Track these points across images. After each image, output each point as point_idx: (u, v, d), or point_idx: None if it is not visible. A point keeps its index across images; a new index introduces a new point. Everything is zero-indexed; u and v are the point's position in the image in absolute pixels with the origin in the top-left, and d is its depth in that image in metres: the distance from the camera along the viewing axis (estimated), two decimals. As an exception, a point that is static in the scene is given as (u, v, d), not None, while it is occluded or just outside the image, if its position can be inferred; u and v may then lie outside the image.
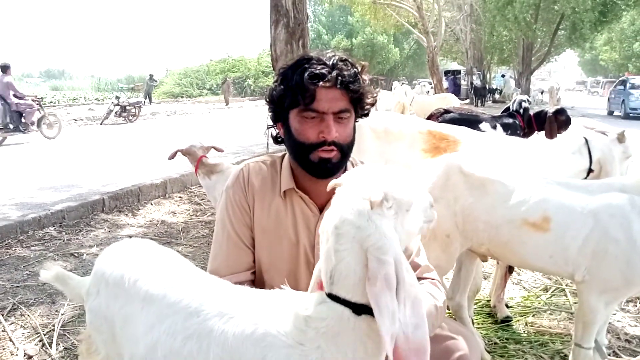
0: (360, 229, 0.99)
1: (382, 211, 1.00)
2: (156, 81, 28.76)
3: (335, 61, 1.50)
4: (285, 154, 1.69)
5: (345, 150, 1.55)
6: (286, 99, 1.52)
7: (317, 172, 1.56)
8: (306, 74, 1.46)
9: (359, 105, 1.56)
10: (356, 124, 1.64)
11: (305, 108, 1.49)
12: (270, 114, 1.64)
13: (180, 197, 6.16)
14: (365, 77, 1.58)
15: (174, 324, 1.20)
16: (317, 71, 1.46)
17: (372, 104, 1.63)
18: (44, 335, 2.73)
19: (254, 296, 1.22)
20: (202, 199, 5.96)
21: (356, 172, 1.12)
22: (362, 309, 1.01)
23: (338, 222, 1.02)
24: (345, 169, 1.64)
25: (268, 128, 1.70)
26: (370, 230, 0.98)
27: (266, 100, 1.62)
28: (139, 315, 1.27)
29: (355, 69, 1.53)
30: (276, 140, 1.67)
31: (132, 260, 1.42)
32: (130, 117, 16.18)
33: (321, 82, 1.45)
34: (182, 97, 32.39)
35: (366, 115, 1.65)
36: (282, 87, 1.53)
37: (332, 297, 1.03)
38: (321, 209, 1.64)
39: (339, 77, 1.47)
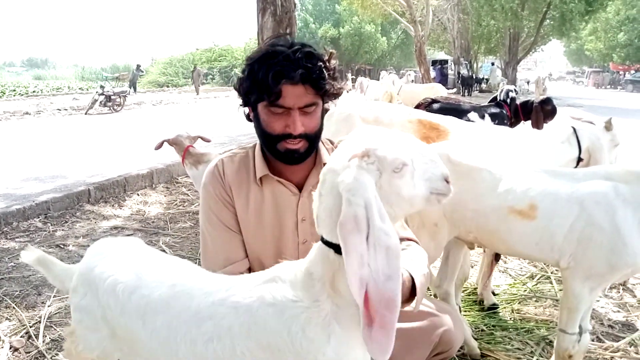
0: (337, 175, 1.06)
1: (362, 164, 1.06)
2: (143, 71, 28.47)
3: (300, 56, 1.49)
4: (256, 143, 1.71)
5: (312, 138, 1.58)
6: (252, 95, 1.54)
7: (285, 161, 1.60)
8: (271, 73, 1.46)
9: (325, 96, 1.57)
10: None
11: (272, 104, 1.51)
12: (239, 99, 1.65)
13: (166, 187, 6.11)
14: (333, 63, 1.58)
15: (188, 332, 1.20)
16: (282, 69, 1.46)
17: (339, 95, 1.63)
18: (30, 327, 2.70)
19: (258, 278, 1.24)
20: (189, 189, 5.92)
21: (359, 132, 1.16)
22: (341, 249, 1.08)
23: (324, 170, 1.12)
24: (317, 152, 1.68)
25: (240, 106, 1.70)
26: (345, 176, 1.04)
27: (235, 88, 1.63)
28: (142, 329, 1.26)
29: (320, 63, 1.52)
30: (249, 118, 1.68)
31: (121, 267, 1.37)
32: (115, 107, 15.96)
33: (284, 80, 1.46)
34: (167, 86, 32.05)
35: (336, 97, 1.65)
36: (248, 81, 1.53)
37: (322, 239, 1.13)
38: (300, 188, 1.67)
39: (304, 75, 1.47)
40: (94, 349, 1.38)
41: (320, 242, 1.14)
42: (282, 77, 1.45)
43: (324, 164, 1.65)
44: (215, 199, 1.67)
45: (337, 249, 1.08)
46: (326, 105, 1.67)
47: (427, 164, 1.13)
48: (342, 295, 1.10)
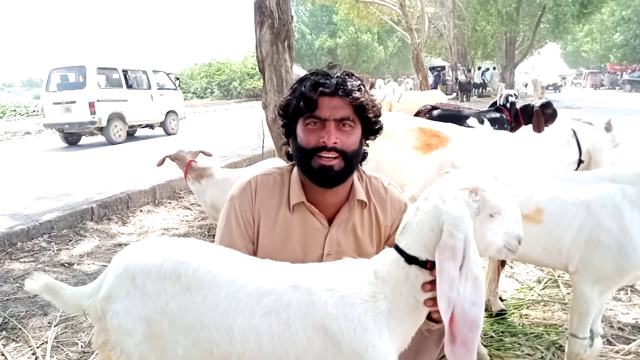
0: (444, 202, 1.17)
1: (467, 200, 1.18)
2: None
3: (339, 74, 1.59)
4: (293, 166, 1.70)
5: (348, 158, 1.56)
6: (291, 107, 1.59)
7: (320, 180, 1.58)
8: (308, 84, 1.55)
9: (363, 115, 1.58)
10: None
11: (308, 115, 1.54)
12: (282, 129, 1.70)
13: (169, 202, 6.11)
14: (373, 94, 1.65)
15: (248, 305, 1.26)
16: (319, 80, 1.55)
17: (378, 119, 1.64)
18: (37, 348, 2.69)
19: (322, 266, 1.35)
20: (192, 204, 5.92)
21: (472, 169, 1.29)
22: (413, 261, 1.20)
23: (431, 190, 1.22)
24: (352, 188, 1.67)
25: (282, 145, 1.76)
26: (450, 208, 1.16)
27: (278, 113, 1.68)
28: (202, 302, 1.30)
29: (358, 82, 1.59)
30: (289, 157, 1.71)
31: (175, 253, 1.38)
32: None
33: (321, 88, 1.52)
34: (167, 101, 32.11)
35: (376, 132, 1.67)
36: (289, 98, 1.61)
37: (396, 247, 1.24)
38: (330, 222, 1.66)
39: (341, 86, 1.53)
40: (132, 354, 1.36)
41: (392, 249, 1.26)
42: (319, 85, 1.53)
43: (357, 200, 1.66)
44: (237, 216, 1.66)
45: (407, 258, 1.21)
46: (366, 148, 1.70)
47: (512, 220, 1.26)
48: (402, 295, 1.21)
